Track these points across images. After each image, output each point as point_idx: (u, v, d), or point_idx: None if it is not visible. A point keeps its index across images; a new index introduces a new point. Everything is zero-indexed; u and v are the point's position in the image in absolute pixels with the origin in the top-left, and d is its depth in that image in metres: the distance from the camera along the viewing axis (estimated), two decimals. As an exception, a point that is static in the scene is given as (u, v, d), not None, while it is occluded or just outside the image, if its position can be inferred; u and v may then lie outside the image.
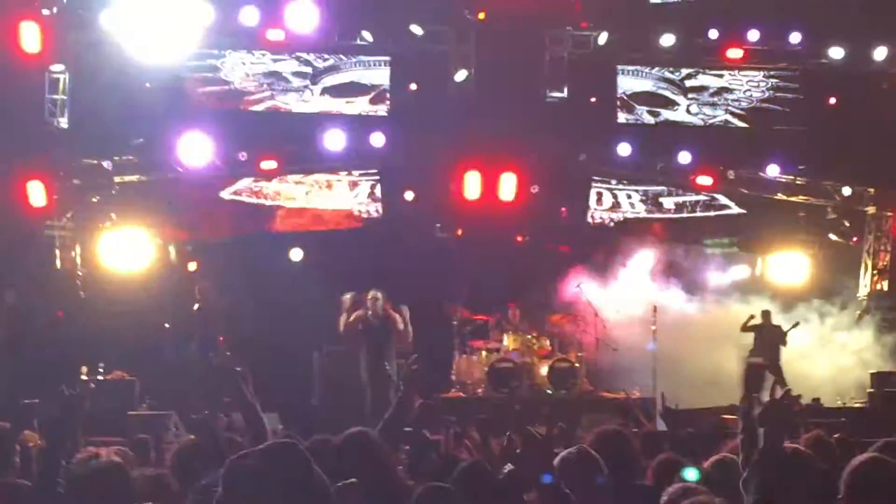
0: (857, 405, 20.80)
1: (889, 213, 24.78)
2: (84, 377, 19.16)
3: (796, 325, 21.78)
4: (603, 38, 24.14)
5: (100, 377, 19.73)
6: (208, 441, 7.12)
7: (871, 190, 24.89)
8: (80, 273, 22.69)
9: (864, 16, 23.73)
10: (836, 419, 16.72)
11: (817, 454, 6.16)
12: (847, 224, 25.32)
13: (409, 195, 24.67)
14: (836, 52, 23.95)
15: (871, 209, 25.05)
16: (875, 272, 24.89)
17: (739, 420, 5.78)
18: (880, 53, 24.07)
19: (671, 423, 10.33)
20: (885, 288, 24.69)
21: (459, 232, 24.87)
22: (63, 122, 22.67)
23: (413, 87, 24.48)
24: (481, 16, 23.59)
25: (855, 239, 25.32)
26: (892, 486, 5.38)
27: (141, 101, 22.75)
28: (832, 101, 24.61)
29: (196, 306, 21.36)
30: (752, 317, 22.04)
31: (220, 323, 20.97)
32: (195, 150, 23.08)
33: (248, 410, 7.14)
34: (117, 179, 23.44)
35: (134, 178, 23.61)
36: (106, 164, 23.18)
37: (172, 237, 23.98)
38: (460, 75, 23.93)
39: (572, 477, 6.00)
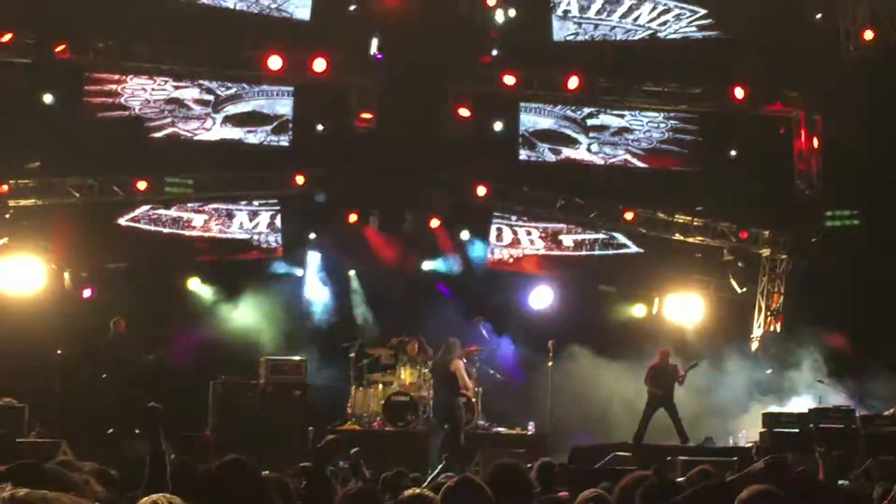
0: (748, 444, 20.99)
1: (783, 256, 25.14)
2: None
3: (695, 364, 21.73)
4: (510, 79, 24.31)
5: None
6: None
7: (766, 233, 25.25)
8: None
9: (763, 63, 24.17)
10: (728, 458, 16.91)
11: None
12: (742, 265, 25.63)
13: (311, 234, 24.65)
14: (738, 93, 24.35)
15: (765, 251, 25.41)
16: (769, 313, 25.22)
17: None
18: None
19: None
20: (778, 329, 25.00)
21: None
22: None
23: (320, 128, 24.39)
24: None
25: (744, 289, 25.56)
26: None
27: (39, 126, 22.47)
28: (732, 153, 24.98)
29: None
30: (651, 368, 22.01)
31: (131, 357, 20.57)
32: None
33: (157, 445, 7.17)
34: (12, 203, 23.09)
35: (30, 202, 23.26)
36: (3, 187, 22.82)
37: (67, 263, 23.59)
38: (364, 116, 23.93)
39: None
